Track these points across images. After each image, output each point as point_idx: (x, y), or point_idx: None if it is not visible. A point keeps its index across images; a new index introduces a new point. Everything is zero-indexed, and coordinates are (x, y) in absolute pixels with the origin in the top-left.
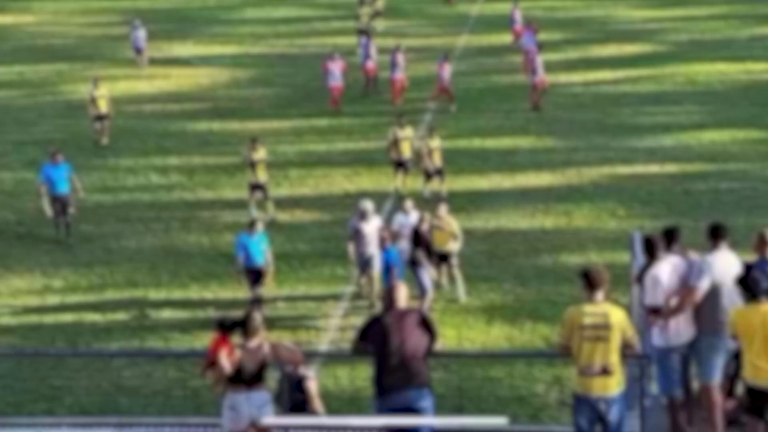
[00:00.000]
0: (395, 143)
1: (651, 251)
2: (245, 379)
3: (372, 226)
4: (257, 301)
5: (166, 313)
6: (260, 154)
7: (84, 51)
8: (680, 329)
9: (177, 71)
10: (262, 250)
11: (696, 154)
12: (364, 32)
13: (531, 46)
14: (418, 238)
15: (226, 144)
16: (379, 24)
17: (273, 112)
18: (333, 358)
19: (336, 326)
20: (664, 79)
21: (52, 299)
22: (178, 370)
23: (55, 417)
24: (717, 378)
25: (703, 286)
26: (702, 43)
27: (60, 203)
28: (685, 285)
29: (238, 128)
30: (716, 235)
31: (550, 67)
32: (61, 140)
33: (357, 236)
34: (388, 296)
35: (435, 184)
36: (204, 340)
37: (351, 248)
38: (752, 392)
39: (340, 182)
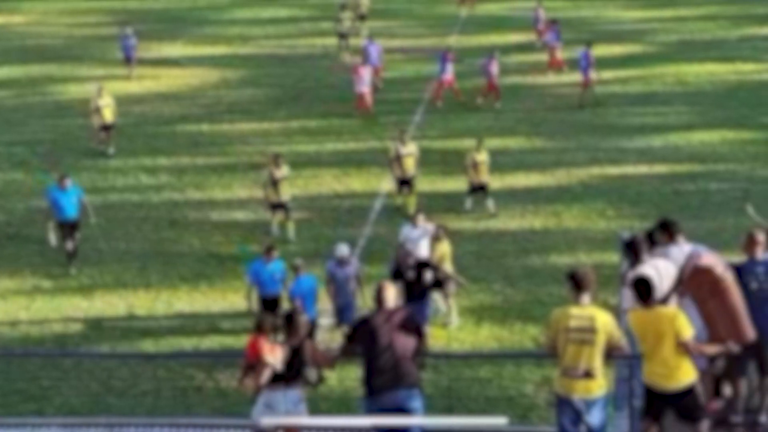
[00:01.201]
0: (398, 159)
1: (634, 253)
2: (285, 376)
3: (348, 272)
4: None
5: (156, 314)
6: (283, 171)
7: (73, 51)
8: None
9: (166, 72)
10: (277, 280)
11: (685, 154)
12: (345, 36)
13: (555, 42)
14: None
15: (215, 145)
16: (364, 28)
17: (262, 112)
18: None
19: (326, 327)
20: (653, 80)
21: (42, 299)
22: (167, 370)
23: (45, 417)
24: None
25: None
26: (691, 43)
27: (68, 228)
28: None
29: (228, 129)
30: (671, 230)
31: (539, 68)
32: (51, 140)
33: (332, 282)
34: (377, 296)
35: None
36: (192, 340)
37: (330, 293)
38: (649, 394)
39: (329, 183)
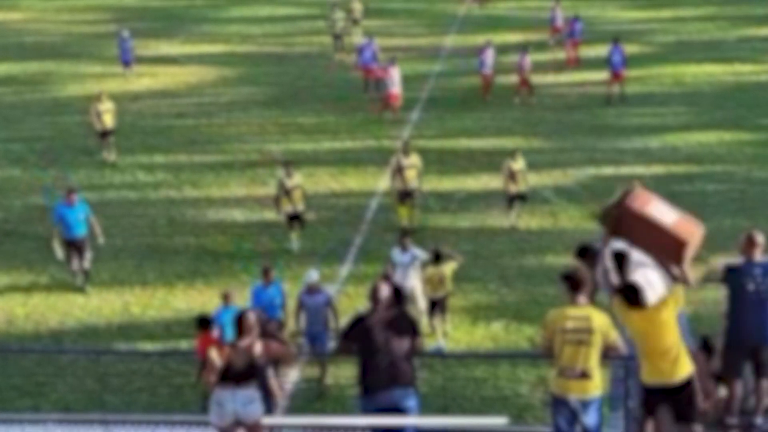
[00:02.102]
0: (399, 171)
1: (590, 261)
2: (232, 376)
3: (318, 300)
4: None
5: (152, 311)
6: (295, 180)
7: (71, 49)
8: None
9: (164, 69)
10: (276, 306)
11: (683, 155)
12: (339, 36)
13: (577, 38)
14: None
15: (212, 143)
16: (356, 33)
17: (259, 110)
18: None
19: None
20: (651, 80)
21: (38, 296)
22: (163, 367)
23: (40, 413)
24: None
25: None
26: (689, 44)
27: (75, 248)
28: None
29: (225, 127)
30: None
31: (537, 68)
32: (49, 137)
33: (302, 311)
34: (373, 295)
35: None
36: (189, 339)
37: (300, 321)
38: (650, 395)
39: (326, 181)
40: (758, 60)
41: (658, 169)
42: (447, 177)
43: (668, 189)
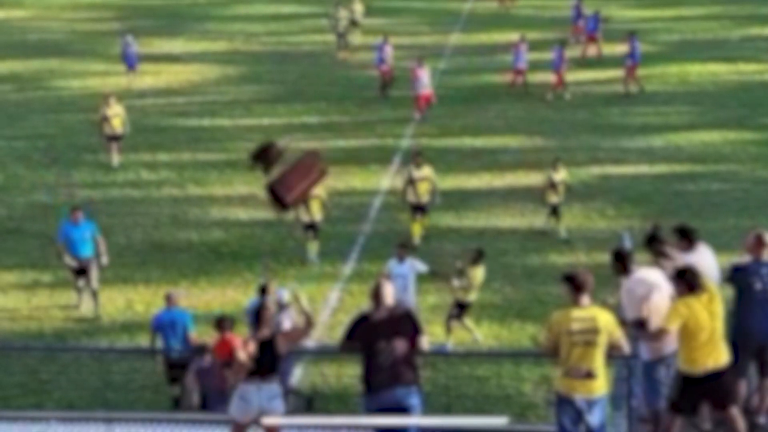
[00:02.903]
0: (411, 183)
1: (623, 264)
2: (258, 371)
3: (286, 320)
4: None
5: (155, 309)
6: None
7: (75, 46)
8: (667, 340)
9: (167, 67)
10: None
11: (686, 154)
12: (342, 35)
13: (596, 33)
14: None
15: (215, 141)
16: (356, 36)
17: (263, 109)
18: (321, 355)
19: (324, 324)
20: (655, 79)
21: (42, 293)
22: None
23: (44, 411)
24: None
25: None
26: (694, 43)
27: (81, 268)
28: None
29: (229, 125)
30: (690, 236)
31: (541, 66)
32: (52, 135)
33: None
34: (375, 294)
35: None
36: (192, 336)
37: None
38: (691, 385)
39: (329, 180)
40: (762, 59)
41: (661, 168)
42: (449, 176)
43: (672, 188)
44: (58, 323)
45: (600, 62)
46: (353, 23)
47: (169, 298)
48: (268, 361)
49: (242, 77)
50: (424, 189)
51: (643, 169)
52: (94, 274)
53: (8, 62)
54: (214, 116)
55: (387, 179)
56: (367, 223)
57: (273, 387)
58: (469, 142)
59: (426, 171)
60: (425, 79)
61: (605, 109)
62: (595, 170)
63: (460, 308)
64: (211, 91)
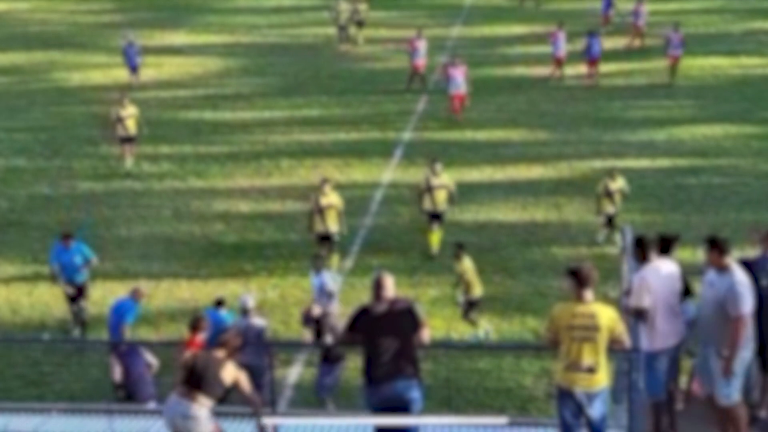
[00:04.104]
0: (429, 191)
1: (643, 252)
2: (189, 381)
3: (253, 329)
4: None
5: (156, 302)
6: (330, 198)
7: (77, 39)
8: (668, 331)
9: (169, 60)
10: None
11: (688, 148)
12: (343, 28)
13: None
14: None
15: (217, 133)
16: (360, 36)
17: (264, 101)
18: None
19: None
20: (656, 73)
21: (43, 285)
22: (167, 358)
23: (45, 403)
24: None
25: (748, 310)
26: (696, 37)
27: (73, 291)
28: (727, 314)
29: (230, 117)
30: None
31: (541, 60)
32: (53, 127)
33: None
34: (376, 287)
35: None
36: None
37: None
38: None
39: (330, 173)
40: (764, 53)
41: (663, 162)
42: (450, 169)
43: (673, 182)
44: (60, 315)
45: (603, 55)
46: (359, 24)
47: (135, 293)
48: (204, 380)
49: (244, 70)
50: (441, 197)
51: (645, 162)
52: (82, 303)
53: (10, 54)
54: (215, 109)
55: (388, 172)
56: (368, 217)
57: (194, 407)
58: (470, 135)
59: (444, 178)
60: (459, 79)
61: (607, 103)
62: (597, 164)
63: (470, 305)
64: (213, 84)
